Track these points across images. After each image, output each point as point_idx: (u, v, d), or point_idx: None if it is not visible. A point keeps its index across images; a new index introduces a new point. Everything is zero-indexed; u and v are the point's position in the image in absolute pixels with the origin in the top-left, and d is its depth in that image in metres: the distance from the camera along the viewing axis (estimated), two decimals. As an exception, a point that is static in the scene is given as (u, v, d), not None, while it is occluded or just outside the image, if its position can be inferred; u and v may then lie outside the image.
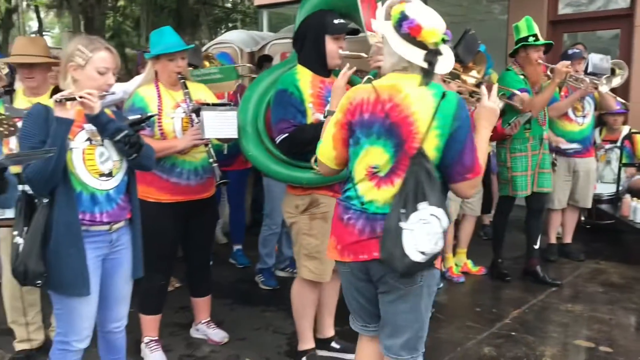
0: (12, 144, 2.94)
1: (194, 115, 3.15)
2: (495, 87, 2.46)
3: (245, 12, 19.88)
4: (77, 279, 2.35)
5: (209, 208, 3.41)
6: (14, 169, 2.47)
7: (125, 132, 2.37)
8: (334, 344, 3.38)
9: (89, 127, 2.39)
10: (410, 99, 2.10)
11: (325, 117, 2.53)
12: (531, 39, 4.40)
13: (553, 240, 5.35)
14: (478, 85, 3.95)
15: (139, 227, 2.60)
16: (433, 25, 2.09)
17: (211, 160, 3.17)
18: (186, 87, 3.22)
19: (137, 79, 3.59)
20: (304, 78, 2.95)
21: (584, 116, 5.00)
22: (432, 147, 2.09)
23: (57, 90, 2.67)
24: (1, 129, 2.72)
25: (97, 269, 2.45)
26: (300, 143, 2.85)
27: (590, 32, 7.69)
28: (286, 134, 2.85)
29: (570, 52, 4.90)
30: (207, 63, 4.49)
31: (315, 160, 2.48)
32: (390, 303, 2.22)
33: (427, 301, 2.25)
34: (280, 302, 4.13)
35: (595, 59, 4.75)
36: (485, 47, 4.49)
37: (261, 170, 3.22)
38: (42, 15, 23.78)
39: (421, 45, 2.09)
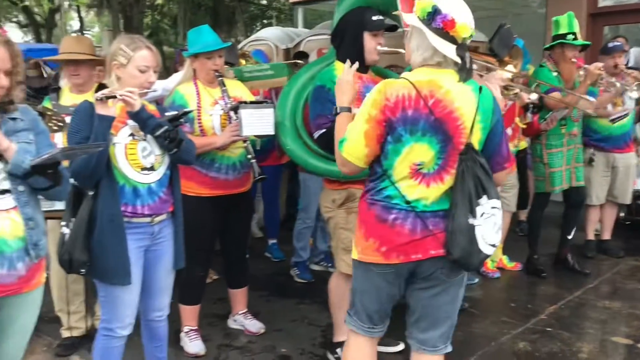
0: (56, 139, 3.06)
1: (232, 113, 3.23)
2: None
3: (280, 8, 19.98)
4: (119, 269, 2.45)
5: (245, 202, 3.50)
6: (64, 163, 2.58)
7: (165, 127, 2.45)
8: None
9: (132, 122, 2.49)
10: (452, 95, 2.10)
11: (335, 114, 2.45)
12: (570, 37, 4.34)
13: (591, 237, 5.26)
14: (513, 79, 3.93)
15: (180, 220, 2.69)
16: (465, 20, 2.09)
17: (249, 156, 3.24)
18: (224, 85, 3.30)
19: (176, 77, 3.69)
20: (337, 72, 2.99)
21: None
22: (476, 141, 2.14)
23: (101, 87, 2.78)
24: (50, 124, 2.85)
25: (139, 259, 2.54)
26: None
27: (632, 25, 7.51)
28: (324, 130, 2.89)
29: (610, 45, 4.80)
30: (242, 61, 4.56)
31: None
32: (433, 297, 2.24)
33: (463, 290, 2.32)
34: (315, 295, 4.20)
35: (638, 53, 4.66)
36: (523, 41, 4.46)
37: (299, 163, 3.29)
38: (83, 14, 24.36)
39: (452, 39, 2.09)
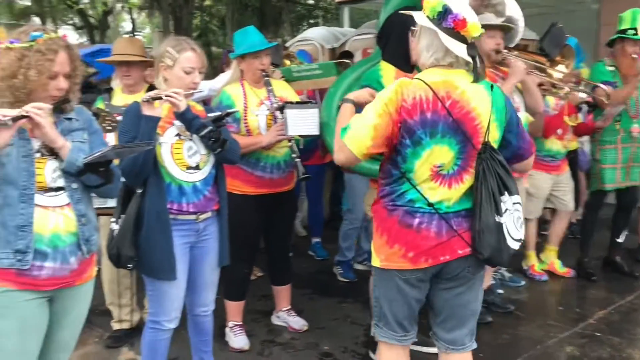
0: (109, 139, 3.16)
1: (277, 113, 3.28)
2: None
3: (327, 8, 20.02)
4: (165, 264, 2.53)
5: (289, 201, 3.54)
6: (115, 162, 2.68)
7: (210, 128, 2.51)
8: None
9: (178, 123, 2.57)
10: (468, 95, 2.10)
11: (340, 104, 2.44)
12: (630, 32, 4.25)
13: (644, 240, 5.11)
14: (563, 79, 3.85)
15: (225, 218, 2.75)
16: (475, 19, 2.08)
17: (294, 155, 3.28)
18: (270, 85, 3.35)
19: (223, 77, 3.76)
20: (388, 74, 2.98)
21: None
22: (493, 140, 2.15)
23: (151, 88, 2.87)
24: (104, 124, 2.97)
25: (185, 255, 2.62)
26: None
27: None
28: None
29: None
30: (287, 61, 4.60)
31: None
32: (458, 296, 2.24)
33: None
34: (358, 294, 4.21)
35: None
36: (577, 39, 4.36)
37: None
38: (134, 16, 25.02)
39: (462, 39, 2.08)
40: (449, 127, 2.08)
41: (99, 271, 3.53)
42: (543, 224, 5.07)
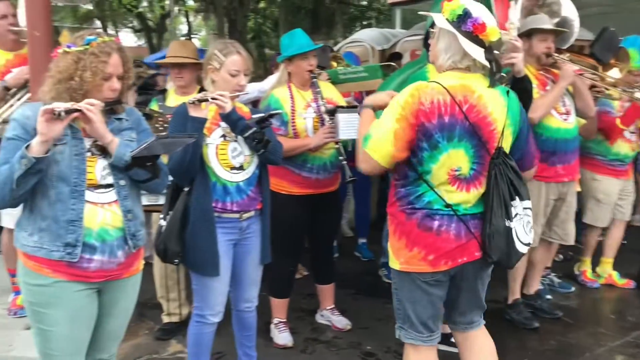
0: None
1: (324, 115, 3.32)
2: None
3: (380, 9, 19.95)
4: (208, 260, 2.62)
5: (334, 201, 3.58)
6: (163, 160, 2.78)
7: (253, 129, 2.58)
8: (453, 339, 3.39)
9: (224, 124, 2.65)
10: (485, 99, 2.11)
11: (359, 111, 2.46)
12: None
13: None
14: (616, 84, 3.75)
15: (268, 217, 2.81)
16: (493, 24, 2.09)
17: (341, 157, 3.32)
18: (317, 87, 3.40)
19: (271, 79, 3.84)
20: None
21: None
22: (507, 145, 2.18)
23: (202, 90, 2.97)
24: (157, 125, 3.10)
25: (228, 252, 2.70)
26: None
27: None
28: None
29: None
30: (334, 63, 4.64)
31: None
32: (471, 288, 2.34)
33: None
34: (403, 295, 4.20)
35: None
36: None
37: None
38: (190, 19, 25.62)
39: (480, 43, 2.10)
40: (465, 131, 2.10)
41: (150, 265, 3.68)
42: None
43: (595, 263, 4.62)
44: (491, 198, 2.13)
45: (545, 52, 3.47)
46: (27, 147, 1.86)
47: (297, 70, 3.38)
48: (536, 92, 3.37)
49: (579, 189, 4.05)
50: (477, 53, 2.10)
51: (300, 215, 3.41)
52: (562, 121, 3.52)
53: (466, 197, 2.17)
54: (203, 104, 2.51)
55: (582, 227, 4.43)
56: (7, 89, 3.47)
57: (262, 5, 20.16)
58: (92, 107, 1.94)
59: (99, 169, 2.06)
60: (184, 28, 26.58)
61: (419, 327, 2.32)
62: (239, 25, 17.70)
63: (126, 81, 2.12)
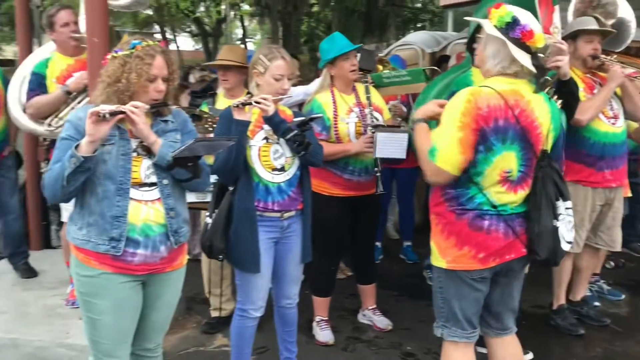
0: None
1: (368, 128, 3.39)
2: None
3: (433, 12, 19.80)
4: (250, 257, 2.72)
5: (374, 203, 3.63)
6: (209, 161, 2.91)
7: (295, 131, 2.67)
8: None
9: (267, 127, 2.75)
10: (532, 104, 2.20)
11: (412, 126, 2.47)
12: None
13: None
14: None
15: (309, 217, 2.90)
16: (540, 30, 2.15)
17: (376, 169, 3.39)
18: (368, 92, 3.48)
19: (316, 82, 3.92)
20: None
21: None
22: (549, 148, 2.27)
23: (249, 93, 3.08)
24: (206, 125, 3.25)
25: (269, 249, 2.80)
26: None
27: None
28: None
29: None
30: (380, 67, 4.68)
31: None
32: (509, 288, 2.43)
33: None
34: (446, 298, 4.20)
35: None
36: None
37: None
38: (246, 23, 26.10)
39: (527, 49, 2.16)
40: (516, 134, 2.19)
41: (198, 262, 3.83)
42: None
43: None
44: (540, 199, 2.23)
45: (592, 54, 3.41)
46: (76, 147, 1.99)
47: (340, 72, 3.44)
48: (583, 95, 3.32)
49: (629, 194, 3.95)
50: (525, 59, 2.17)
51: (341, 216, 3.48)
52: (610, 125, 3.44)
53: (514, 198, 2.27)
54: (247, 107, 2.61)
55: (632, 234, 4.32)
56: (68, 92, 3.66)
57: (315, 9, 20.32)
58: (135, 109, 2.06)
59: (143, 168, 2.17)
60: (239, 32, 27.09)
61: (463, 324, 2.40)
62: (293, 29, 17.90)
63: (171, 83, 2.22)
